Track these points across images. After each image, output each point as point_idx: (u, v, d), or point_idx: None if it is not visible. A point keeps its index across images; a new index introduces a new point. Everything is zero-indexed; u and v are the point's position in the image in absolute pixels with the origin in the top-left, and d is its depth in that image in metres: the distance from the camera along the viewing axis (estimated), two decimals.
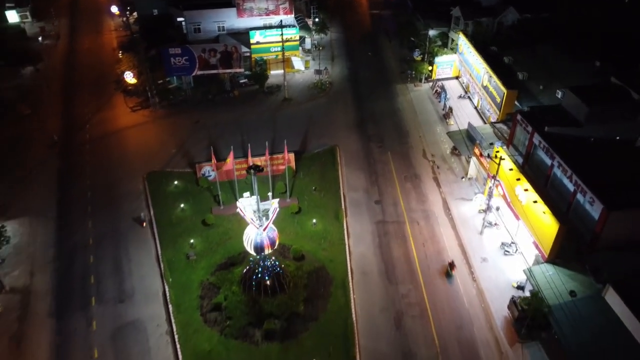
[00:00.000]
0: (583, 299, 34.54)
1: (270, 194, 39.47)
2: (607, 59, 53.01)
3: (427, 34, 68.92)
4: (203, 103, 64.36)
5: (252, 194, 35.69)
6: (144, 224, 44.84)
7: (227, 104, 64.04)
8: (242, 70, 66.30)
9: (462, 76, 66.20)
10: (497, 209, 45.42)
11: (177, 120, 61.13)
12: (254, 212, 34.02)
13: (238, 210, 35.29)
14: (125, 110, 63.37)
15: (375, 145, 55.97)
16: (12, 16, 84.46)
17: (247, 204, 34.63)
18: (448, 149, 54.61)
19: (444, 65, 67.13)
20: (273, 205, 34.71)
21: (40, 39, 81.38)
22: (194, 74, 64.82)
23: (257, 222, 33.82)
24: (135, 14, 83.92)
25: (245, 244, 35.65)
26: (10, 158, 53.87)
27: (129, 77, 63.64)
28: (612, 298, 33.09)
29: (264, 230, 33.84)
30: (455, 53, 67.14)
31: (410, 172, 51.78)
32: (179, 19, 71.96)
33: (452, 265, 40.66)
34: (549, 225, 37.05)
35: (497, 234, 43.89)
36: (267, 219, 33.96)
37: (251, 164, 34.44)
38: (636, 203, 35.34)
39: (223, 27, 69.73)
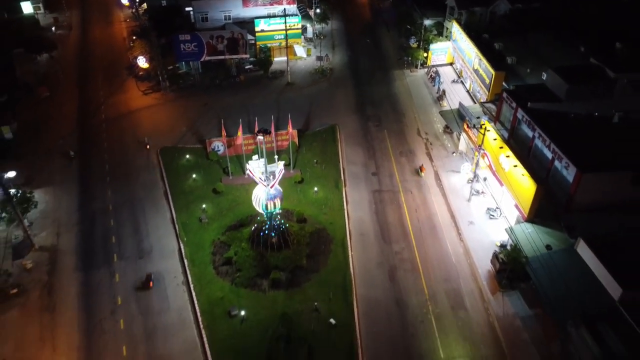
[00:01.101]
0: (558, 252, 38.46)
1: (276, 156, 43.19)
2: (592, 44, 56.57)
3: (422, 23, 72.67)
4: (211, 87, 68.28)
5: (260, 157, 39.52)
6: (147, 147, 52.82)
7: (233, 88, 67.93)
8: (247, 56, 70.19)
9: (456, 62, 69.98)
10: (485, 179, 49.27)
11: (186, 102, 65.03)
12: (262, 172, 37.92)
13: (247, 171, 39.26)
14: (138, 94, 67.28)
15: (373, 124, 59.85)
16: (27, 7, 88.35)
17: (255, 166, 38.53)
18: (440, 128, 58.46)
19: (439, 51, 70.87)
20: (279, 166, 38.66)
21: (53, 28, 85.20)
22: (202, 59, 68.70)
23: (265, 181, 37.73)
24: (144, 5, 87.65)
25: (254, 203, 39.60)
26: (32, 136, 57.74)
27: (142, 62, 67.55)
28: (583, 250, 37.02)
29: (271, 187, 37.75)
30: (450, 40, 70.92)
31: (405, 148, 55.66)
32: (187, 9, 75.80)
33: (422, 168, 51.10)
34: (528, 187, 40.97)
35: (483, 201, 47.76)
36: (273, 178, 37.86)
37: (258, 141, 38.30)
38: (607, 167, 39.26)
39: (229, 16, 73.54)
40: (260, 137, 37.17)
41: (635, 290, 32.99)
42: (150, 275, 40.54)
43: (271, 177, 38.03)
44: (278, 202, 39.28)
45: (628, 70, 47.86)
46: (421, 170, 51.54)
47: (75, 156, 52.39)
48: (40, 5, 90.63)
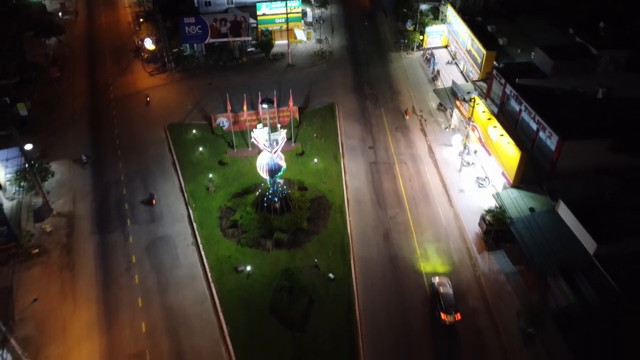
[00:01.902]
0: (540, 213, 41.48)
1: (279, 125, 46.04)
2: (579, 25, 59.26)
3: (418, 7, 75.34)
4: (214, 68, 71.05)
5: (264, 126, 42.44)
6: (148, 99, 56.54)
7: (236, 69, 70.71)
8: (249, 38, 72.88)
9: (450, 44, 72.74)
10: (475, 151, 52.25)
11: (191, 83, 67.84)
12: (266, 140, 40.88)
13: (252, 139, 42.23)
14: (144, 75, 70.05)
15: (370, 102, 62.74)
16: None
17: (260, 134, 41.48)
18: (434, 106, 61.32)
19: (434, 34, 73.64)
20: (281, 134, 41.62)
21: (60, 14, 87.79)
22: (206, 41, 71.39)
23: (269, 148, 40.71)
24: None
25: (258, 169, 42.59)
26: (45, 113, 60.60)
27: (149, 44, 70.29)
28: (563, 210, 40.05)
29: (274, 153, 40.74)
30: (445, 24, 73.62)
31: (401, 124, 58.56)
32: None
33: (407, 111, 57.81)
34: (513, 155, 43.98)
35: (473, 171, 50.76)
36: (277, 144, 40.84)
37: (261, 112, 41.15)
38: (586, 135, 42.21)
39: (231, 0, 76.04)
40: (264, 106, 40.04)
41: (608, 244, 36.05)
42: (152, 194, 47.09)
43: (274, 143, 40.94)
44: (280, 168, 42.20)
45: (610, 47, 50.64)
46: (406, 114, 58.54)
47: (87, 161, 52.59)
48: None
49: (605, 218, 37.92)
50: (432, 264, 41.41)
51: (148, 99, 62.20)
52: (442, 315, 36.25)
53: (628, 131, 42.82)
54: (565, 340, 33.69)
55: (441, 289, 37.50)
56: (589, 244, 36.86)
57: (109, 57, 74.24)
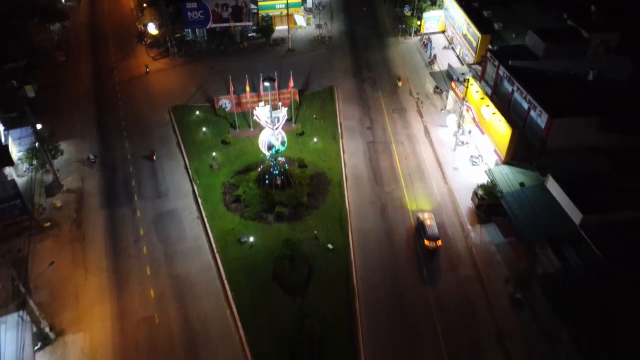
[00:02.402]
0: (530, 188, 43.39)
1: (280, 103, 47.73)
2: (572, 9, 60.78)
3: None
4: (216, 53, 72.63)
5: (265, 104, 44.19)
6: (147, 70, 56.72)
7: (237, 54, 72.30)
8: (250, 23, 74.37)
9: (447, 30, 74.28)
10: (469, 132, 54.05)
11: (194, 67, 69.46)
12: (268, 117, 42.69)
13: (255, 117, 44.04)
14: (147, 59, 71.60)
15: (368, 85, 64.44)
16: None
17: (262, 112, 43.27)
18: (431, 89, 63.04)
19: (431, 20, 75.11)
20: (282, 112, 43.40)
21: (63, 0, 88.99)
22: (208, 26, 72.85)
23: (271, 124, 42.53)
24: None
25: (260, 146, 44.45)
26: (52, 95, 62.27)
27: (152, 28, 71.77)
28: (552, 185, 41.96)
29: (276, 129, 42.56)
30: (442, 9, 75.07)
31: (398, 106, 60.31)
32: None
33: (399, 79, 61.34)
34: (504, 133, 45.83)
35: (467, 150, 52.60)
36: (278, 121, 42.65)
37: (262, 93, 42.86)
38: (575, 113, 44.04)
39: None
40: (266, 84, 41.82)
41: (593, 215, 38.00)
42: (153, 151, 51.93)
43: (275, 120, 42.75)
44: (282, 144, 44.04)
45: (600, 30, 52.31)
46: (399, 81, 62.33)
47: (94, 160, 52.10)
48: None
49: (591, 191, 39.81)
50: None
51: (147, 69, 66.36)
52: (426, 242, 41.30)
53: (615, 111, 44.61)
54: (550, 304, 35.68)
55: (427, 222, 42.20)
56: (575, 215, 38.79)
57: (113, 42, 75.75)
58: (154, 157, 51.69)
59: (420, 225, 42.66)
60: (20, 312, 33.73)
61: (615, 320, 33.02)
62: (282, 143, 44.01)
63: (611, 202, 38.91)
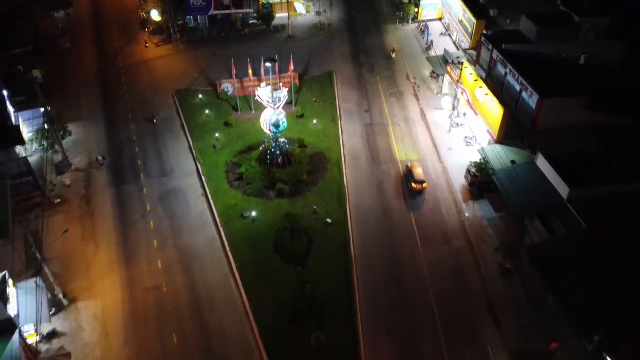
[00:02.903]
0: (520, 165, 45.27)
1: (281, 84, 49.41)
2: None
3: None
4: (218, 40, 74.21)
5: (267, 85, 45.98)
6: (155, 121, 56.64)
7: (239, 41, 73.86)
8: (251, 10, 75.90)
9: (444, 17, 75.82)
10: (464, 114, 55.82)
11: (196, 53, 71.08)
12: (269, 97, 44.48)
13: (257, 97, 45.83)
14: (151, 46, 73.18)
15: (366, 70, 66.13)
16: None
17: (264, 92, 45.05)
18: (428, 74, 64.73)
19: (429, 7, 76.62)
20: (283, 92, 45.19)
21: None
22: (210, 13, 74.35)
23: (272, 104, 44.31)
24: None
25: (262, 125, 46.29)
26: (58, 81, 63.94)
27: (155, 15, 73.30)
28: (541, 162, 43.81)
29: (277, 108, 44.36)
30: None
31: (395, 90, 62.05)
32: None
33: (393, 50, 66.60)
34: (497, 114, 47.64)
35: (462, 132, 54.40)
36: (279, 101, 44.43)
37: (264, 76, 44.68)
38: (564, 93, 45.81)
39: None
40: (268, 64, 43.59)
41: (579, 189, 39.88)
42: (154, 115, 55.59)
43: (277, 100, 44.54)
44: (283, 123, 45.90)
45: (591, 15, 53.98)
46: (393, 53, 67.03)
47: (103, 162, 50.89)
48: None
49: (578, 167, 41.67)
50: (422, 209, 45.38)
51: (147, 45, 69.69)
52: (413, 185, 46.76)
53: (604, 92, 46.36)
54: (538, 272, 37.64)
55: (414, 170, 47.43)
56: (563, 190, 40.67)
57: (117, 29, 77.19)
58: (154, 121, 55.53)
59: (409, 172, 47.94)
60: (36, 279, 35.70)
61: (600, 285, 34.95)
62: (283, 122, 45.73)
63: (598, 177, 40.80)
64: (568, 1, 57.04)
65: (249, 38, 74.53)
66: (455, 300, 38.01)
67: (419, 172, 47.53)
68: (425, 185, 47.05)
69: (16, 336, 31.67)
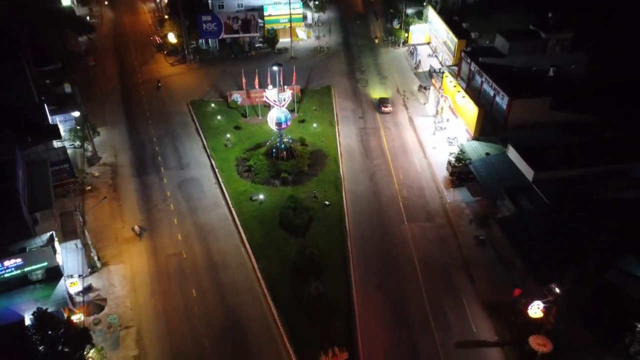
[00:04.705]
0: (494, 156, 51.95)
1: (286, 87, 56.44)
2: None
3: (404, 10, 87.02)
4: (227, 60, 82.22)
5: (274, 87, 53.19)
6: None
7: (246, 60, 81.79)
8: (258, 34, 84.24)
9: (432, 41, 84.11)
10: (447, 120, 62.89)
11: (208, 70, 78.93)
12: (275, 97, 51.61)
13: (265, 98, 52.98)
14: (166, 65, 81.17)
15: (361, 85, 73.72)
16: (65, 0, 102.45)
17: (271, 94, 52.25)
18: (416, 87, 72.28)
19: (418, 32, 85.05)
20: (287, 94, 52.40)
21: (88, 18, 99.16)
22: (220, 37, 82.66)
23: (278, 103, 51.41)
24: None
25: (269, 122, 53.23)
26: (85, 91, 71.18)
27: (171, 37, 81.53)
28: (511, 152, 50.51)
29: (282, 107, 51.43)
30: (426, 22, 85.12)
31: (386, 100, 69.39)
32: None
33: (376, 37, 76.20)
34: (473, 113, 54.72)
35: (444, 134, 61.31)
36: (284, 100, 51.57)
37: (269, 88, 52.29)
38: (531, 95, 52.96)
39: (242, 4, 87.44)
40: (275, 68, 50.89)
41: (542, 172, 46.39)
42: (159, 81, 63.51)
43: (282, 100, 51.66)
44: (289, 120, 52.91)
45: (555, 31, 61.91)
46: (376, 39, 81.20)
47: (141, 232, 47.48)
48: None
49: (541, 155, 48.34)
50: (409, 194, 51.82)
51: (159, 85, 73.58)
52: (383, 108, 64.30)
53: (566, 93, 53.58)
54: (507, 239, 43.72)
55: (385, 101, 65.30)
56: (528, 173, 47.23)
57: (135, 50, 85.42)
58: (160, 86, 67.13)
59: (380, 101, 66.28)
60: (76, 241, 41.84)
61: (557, 246, 40.97)
62: (287, 116, 52.77)
63: (557, 162, 47.43)
64: (537, 20, 65.15)
65: (255, 58, 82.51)
66: (435, 262, 43.98)
67: (387, 103, 65.91)
68: (391, 108, 65.84)
69: (62, 281, 37.58)
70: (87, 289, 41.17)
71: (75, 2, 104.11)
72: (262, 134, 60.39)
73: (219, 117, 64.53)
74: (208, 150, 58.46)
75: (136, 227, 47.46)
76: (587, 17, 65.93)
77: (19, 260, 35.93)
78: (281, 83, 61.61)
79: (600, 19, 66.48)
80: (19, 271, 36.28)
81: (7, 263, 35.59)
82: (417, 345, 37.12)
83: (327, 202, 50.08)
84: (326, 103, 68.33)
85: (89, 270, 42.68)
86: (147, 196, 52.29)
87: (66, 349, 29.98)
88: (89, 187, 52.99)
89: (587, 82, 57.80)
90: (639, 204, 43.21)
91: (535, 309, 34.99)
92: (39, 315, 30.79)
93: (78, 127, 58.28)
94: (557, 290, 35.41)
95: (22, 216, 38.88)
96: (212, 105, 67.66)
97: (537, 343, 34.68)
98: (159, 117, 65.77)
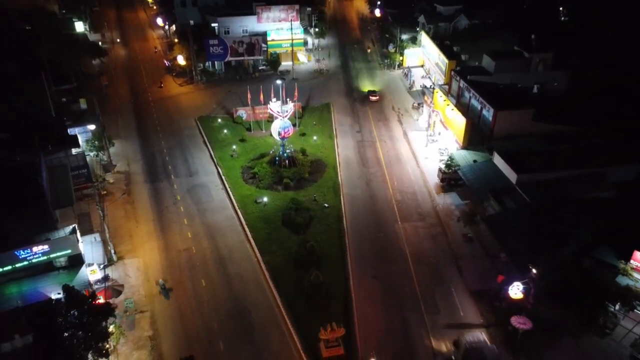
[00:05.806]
0: (481, 163, 56.09)
1: (288, 99, 60.92)
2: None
3: (399, 35, 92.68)
4: (232, 81, 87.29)
5: (277, 100, 57.71)
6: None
7: (250, 81, 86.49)
8: (261, 57, 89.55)
9: (425, 63, 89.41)
10: (439, 133, 67.29)
11: (214, 90, 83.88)
12: (279, 109, 56.07)
13: (269, 109, 57.47)
14: (175, 85, 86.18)
15: (358, 103, 78.49)
16: (79, 26, 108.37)
17: (275, 106, 56.75)
18: (410, 105, 76.99)
19: (412, 55, 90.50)
20: (289, 105, 56.86)
21: (100, 43, 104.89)
22: (226, 59, 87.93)
23: (282, 114, 55.85)
24: (174, 26, 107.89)
25: (272, 132, 57.54)
26: (100, 108, 75.78)
27: (180, 60, 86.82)
28: (497, 159, 54.64)
29: (285, 117, 55.84)
30: (420, 47, 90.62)
31: (382, 117, 74.04)
32: (213, 24, 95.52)
33: (368, 46, 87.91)
34: (461, 125, 59.12)
35: (436, 145, 65.58)
36: (287, 112, 56.04)
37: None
38: (514, 107, 57.45)
39: (246, 30, 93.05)
40: (278, 82, 55.47)
41: (524, 174, 50.37)
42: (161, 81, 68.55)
43: (285, 112, 56.13)
44: (290, 131, 57.25)
45: (538, 51, 66.98)
46: (368, 48, 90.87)
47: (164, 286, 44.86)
48: (87, 26, 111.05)
49: (524, 160, 52.40)
50: (402, 198, 55.70)
51: (161, 85, 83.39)
52: (371, 98, 74.60)
53: (546, 106, 58.12)
54: (493, 235, 47.42)
55: (372, 93, 75.16)
56: (512, 176, 51.23)
57: (145, 72, 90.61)
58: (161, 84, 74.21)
59: (369, 92, 77.70)
60: (95, 235, 45.52)
61: (537, 240, 44.64)
62: (290, 130, 57.13)
63: (539, 166, 51.47)
64: (521, 41, 70.39)
65: (258, 80, 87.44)
66: (426, 256, 47.51)
67: (375, 94, 77.21)
68: (378, 98, 76.83)
69: (83, 268, 41.12)
70: (105, 279, 44.53)
71: (88, 29, 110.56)
72: (266, 146, 64.66)
73: (225, 131, 68.91)
74: (215, 160, 62.58)
75: (160, 281, 44.73)
76: (563, 42, 71.40)
77: (45, 247, 39.52)
78: (284, 97, 66.55)
79: (576, 42, 72.01)
80: (45, 257, 39.83)
81: (35, 249, 39.18)
82: (408, 326, 40.36)
83: (326, 205, 53.89)
84: (325, 118, 72.88)
85: (107, 261, 46.14)
86: (159, 200, 56.10)
87: (91, 319, 33.30)
88: (105, 192, 56.81)
89: (568, 97, 62.51)
90: (611, 203, 47.19)
91: (516, 290, 38.41)
92: (68, 289, 34.23)
93: (94, 139, 62.52)
94: (534, 271, 38.85)
95: (48, 208, 42.67)
96: (219, 120, 72.16)
97: (519, 322, 37.99)
98: (169, 131, 70.16)
